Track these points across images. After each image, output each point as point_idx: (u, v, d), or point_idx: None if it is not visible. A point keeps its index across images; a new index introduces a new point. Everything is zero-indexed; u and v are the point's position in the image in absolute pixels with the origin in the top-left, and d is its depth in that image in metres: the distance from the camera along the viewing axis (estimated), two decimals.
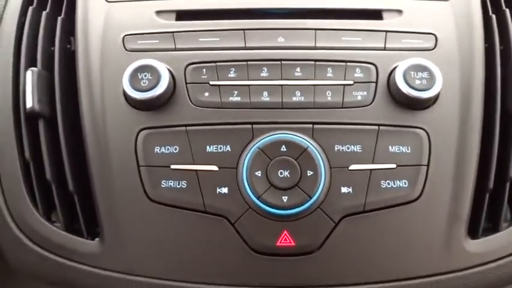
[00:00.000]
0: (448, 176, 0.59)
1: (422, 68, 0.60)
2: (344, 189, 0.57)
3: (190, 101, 0.60)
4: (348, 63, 0.62)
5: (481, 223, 0.60)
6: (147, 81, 0.59)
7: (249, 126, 0.59)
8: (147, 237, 0.58)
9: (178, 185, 0.58)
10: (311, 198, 0.56)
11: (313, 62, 0.62)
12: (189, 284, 0.57)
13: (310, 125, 0.59)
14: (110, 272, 0.58)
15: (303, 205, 0.56)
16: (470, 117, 0.61)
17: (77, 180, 0.61)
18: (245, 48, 0.63)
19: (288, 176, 0.57)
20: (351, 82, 0.61)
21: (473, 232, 0.60)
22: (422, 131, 0.60)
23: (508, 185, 0.61)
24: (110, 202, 0.58)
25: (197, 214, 0.57)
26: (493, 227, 0.61)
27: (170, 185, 0.58)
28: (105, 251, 0.58)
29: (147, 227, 0.58)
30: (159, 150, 0.59)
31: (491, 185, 0.60)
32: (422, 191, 0.58)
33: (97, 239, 0.59)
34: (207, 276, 0.57)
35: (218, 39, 0.63)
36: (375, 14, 0.66)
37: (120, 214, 0.58)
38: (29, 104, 0.61)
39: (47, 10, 0.68)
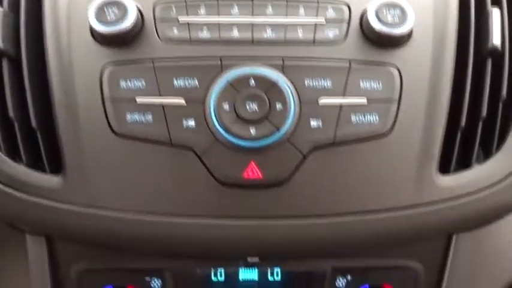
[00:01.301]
0: (420, 112, 0.58)
1: (395, 5, 0.60)
2: (313, 123, 0.56)
3: (159, 37, 0.59)
4: (321, 3, 0.62)
5: (452, 160, 0.59)
6: (113, 16, 0.58)
7: (218, 60, 0.59)
8: (110, 170, 0.56)
9: (144, 118, 0.56)
10: (279, 130, 0.55)
11: (285, 2, 0.62)
12: (154, 216, 0.55)
13: (280, 60, 0.59)
14: (72, 205, 0.56)
15: (271, 137, 0.55)
16: (444, 56, 0.60)
17: (40, 117, 0.59)
18: None
19: (257, 108, 0.56)
20: (323, 20, 0.61)
21: (444, 168, 0.59)
22: (394, 67, 0.59)
23: (480, 124, 0.61)
24: (73, 136, 0.57)
25: (163, 147, 0.56)
26: (465, 165, 0.60)
27: (135, 119, 0.57)
28: (67, 185, 0.56)
29: (111, 161, 0.56)
30: (125, 84, 0.58)
31: (463, 123, 0.60)
32: (393, 126, 0.57)
33: (60, 174, 0.58)
34: (172, 208, 0.55)
35: None
36: None
37: (83, 148, 0.56)
38: None
39: None
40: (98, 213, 0.56)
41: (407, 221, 0.57)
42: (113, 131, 0.56)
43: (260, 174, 0.55)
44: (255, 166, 0.56)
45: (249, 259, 0.62)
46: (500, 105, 0.62)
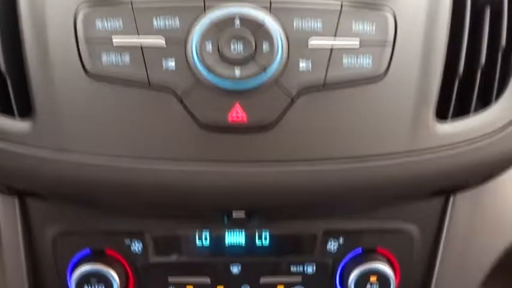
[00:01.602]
0: (415, 57, 0.55)
1: None
2: (302, 64, 0.52)
3: None
4: None
5: (450, 107, 0.55)
6: None
7: (201, 1, 0.55)
8: (84, 113, 0.52)
9: (121, 59, 0.52)
10: (266, 71, 0.51)
11: None
12: (131, 161, 0.51)
13: (268, 2, 0.55)
14: (42, 150, 0.52)
15: (256, 78, 0.51)
16: (440, 1, 0.57)
17: (8, 60, 0.55)
18: None
19: (242, 49, 0.51)
20: None
21: (442, 115, 0.56)
22: (388, 10, 0.55)
23: (479, 72, 0.58)
24: (43, 78, 0.52)
25: (141, 89, 0.51)
26: (463, 113, 0.57)
27: (112, 60, 0.52)
28: (37, 129, 0.52)
29: (84, 104, 0.52)
30: (101, 24, 0.53)
31: (461, 70, 0.57)
32: (387, 70, 0.53)
33: (29, 118, 0.54)
34: (150, 153, 0.51)
35: None
36: None
37: (55, 90, 0.52)
38: None
39: None
40: (71, 159, 0.52)
41: (402, 169, 0.53)
42: (86, 72, 0.52)
43: (245, 117, 0.51)
44: (240, 109, 0.52)
45: (234, 214, 0.59)
46: (500, 54, 0.59)
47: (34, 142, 0.52)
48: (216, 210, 0.59)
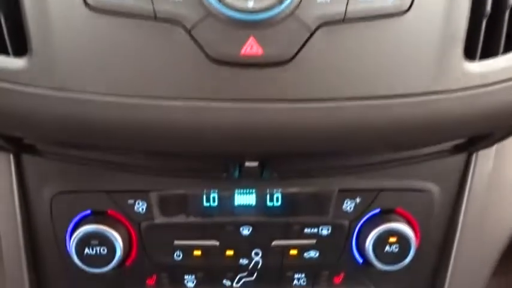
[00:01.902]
0: None
1: None
2: None
3: None
4: None
5: (478, 46, 0.52)
6: None
7: None
8: (83, 49, 0.47)
9: None
10: (281, 2, 0.47)
11: None
12: (135, 99, 0.47)
13: None
14: (39, 88, 0.48)
15: (272, 10, 0.46)
16: None
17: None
18: None
19: None
20: None
21: (470, 54, 0.52)
22: None
23: (507, 13, 0.54)
24: (39, 11, 0.47)
25: (146, 22, 0.47)
26: (491, 53, 0.54)
27: None
28: (33, 66, 0.47)
29: (83, 38, 0.47)
30: None
31: (488, 9, 0.53)
32: (411, 4, 0.50)
33: (25, 56, 0.49)
34: (156, 90, 0.47)
35: None
36: None
37: (52, 24, 0.47)
38: None
39: None
40: (69, 97, 0.48)
41: (427, 110, 0.49)
42: (87, 4, 0.47)
43: (260, 51, 0.47)
44: (254, 42, 0.47)
45: (247, 163, 0.55)
46: None
47: (30, 81, 0.48)
48: (227, 156, 0.55)
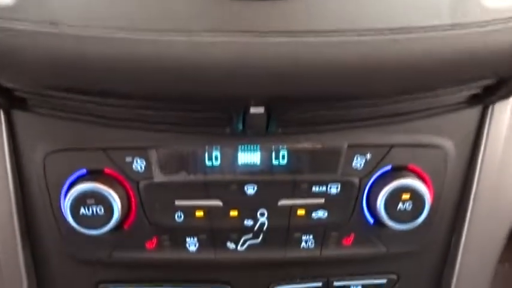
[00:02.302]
0: None
1: None
2: None
3: None
4: None
5: None
6: None
7: None
8: None
9: None
10: None
11: None
12: (131, 32, 0.44)
13: None
14: (28, 23, 0.44)
15: None
16: None
17: None
18: None
19: None
20: None
21: None
22: None
23: None
24: None
25: None
26: None
27: None
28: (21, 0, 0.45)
29: None
30: None
31: None
32: None
33: None
34: (152, 22, 0.43)
35: None
36: None
37: None
38: None
39: None
40: (61, 32, 0.45)
41: (444, 45, 0.46)
42: None
43: None
44: None
45: (252, 109, 0.52)
46: None
47: (19, 15, 0.45)
48: (231, 99, 0.52)
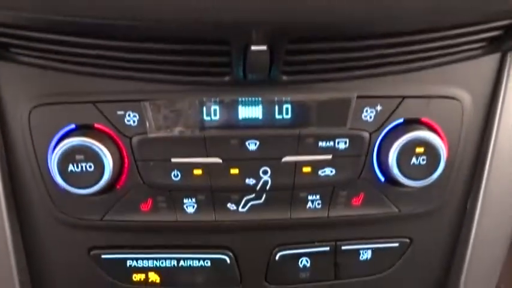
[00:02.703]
0: None
1: None
2: None
3: None
4: None
5: None
6: None
7: None
8: None
9: None
10: None
11: None
12: None
13: None
14: None
15: None
16: None
17: None
18: None
19: None
20: None
21: None
22: None
23: None
24: None
25: None
26: None
27: None
28: None
29: None
30: None
31: None
32: None
33: None
34: None
35: None
36: None
37: None
38: None
39: None
40: None
41: None
42: None
43: None
44: None
45: (254, 47, 0.47)
46: None
47: None
48: (232, 30, 0.47)
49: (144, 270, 0.61)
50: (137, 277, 0.61)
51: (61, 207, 0.57)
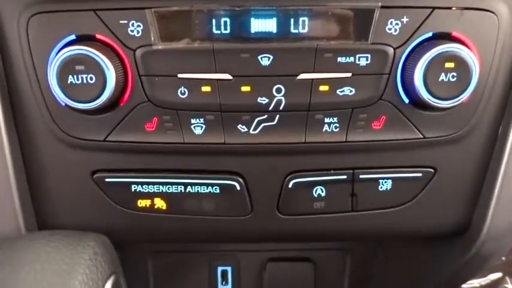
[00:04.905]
0: None
1: None
2: None
3: None
4: None
5: None
6: None
7: None
8: None
9: None
10: None
11: None
12: None
13: None
14: None
15: None
16: None
17: None
18: None
19: None
20: None
21: None
22: None
23: None
24: None
25: None
26: None
27: None
28: None
29: None
30: None
31: None
32: None
33: None
34: None
35: None
36: None
37: None
38: None
39: None
40: None
41: None
42: None
43: None
44: None
45: None
46: None
47: None
48: None
49: (150, 195, 0.58)
50: (142, 203, 0.58)
51: (62, 126, 0.54)
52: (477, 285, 0.98)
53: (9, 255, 0.38)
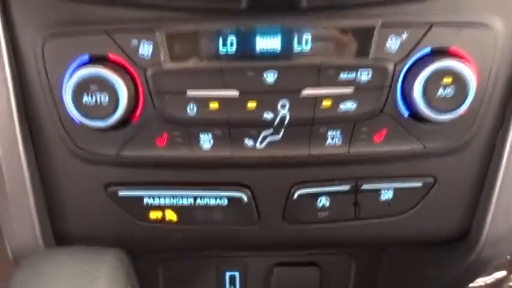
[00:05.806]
0: None
1: None
2: None
3: None
4: None
5: None
6: None
7: None
8: None
9: None
10: None
11: None
12: None
13: None
14: None
15: None
16: None
17: None
18: None
19: None
20: None
21: None
22: None
23: None
24: None
25: None
26: None
27: None
28: None
29: None
30: None
31: None
32: None
33: None
34: None
35: None
36: None
37: None
38: None
39: None
40: None
41: None
42: None
43: None
44: None
45: None
46: None
47: None
48: None
49: (161, 208, 0.60)
50: (154, 215, 0.61)
51: (77, 142, 0.56)
52: (482, 283, 0.99)
53: (35, 271, 0.41)
